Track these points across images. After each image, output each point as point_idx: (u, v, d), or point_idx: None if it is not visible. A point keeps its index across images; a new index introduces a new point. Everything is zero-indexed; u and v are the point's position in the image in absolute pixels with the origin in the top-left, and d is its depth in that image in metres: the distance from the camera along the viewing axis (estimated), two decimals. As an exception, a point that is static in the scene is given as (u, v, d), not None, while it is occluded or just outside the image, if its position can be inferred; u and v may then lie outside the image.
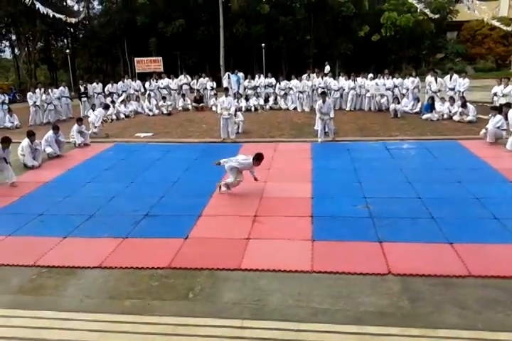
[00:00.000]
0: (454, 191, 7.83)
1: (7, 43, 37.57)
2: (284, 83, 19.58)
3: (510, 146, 10.41)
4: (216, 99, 18.82)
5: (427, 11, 22.93)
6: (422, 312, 4.36)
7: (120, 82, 21.14)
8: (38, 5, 15.62)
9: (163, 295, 4.82)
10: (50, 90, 18.13)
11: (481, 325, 4.10)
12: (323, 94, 13.17)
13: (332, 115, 12.21)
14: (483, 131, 11.38)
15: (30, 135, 10.58)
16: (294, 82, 19.00)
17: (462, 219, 6.56)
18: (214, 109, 18.20)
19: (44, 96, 17.40)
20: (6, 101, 17.76)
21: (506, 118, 11.25)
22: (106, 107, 16.13)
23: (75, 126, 12.66)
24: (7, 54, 39.95)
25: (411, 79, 17.64)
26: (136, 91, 20.96)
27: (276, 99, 19.50)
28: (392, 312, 4.37)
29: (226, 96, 13.24)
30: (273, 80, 20.11)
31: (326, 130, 12.22)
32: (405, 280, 4.92)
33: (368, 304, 4.50)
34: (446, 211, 6.87)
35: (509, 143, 10.47)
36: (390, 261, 5.34)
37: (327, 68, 21.45)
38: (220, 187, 8.12)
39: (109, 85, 20.48)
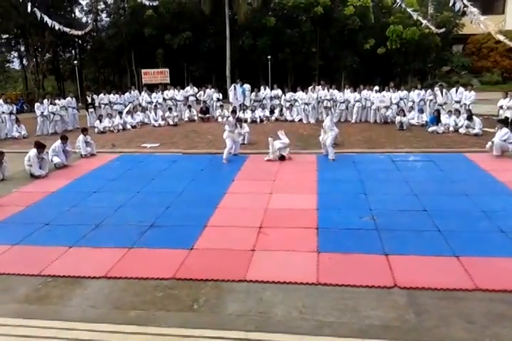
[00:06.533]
0: (460, 204, 7.80)
1: (16, 54, 37.95)
2: (289, 95, 19.71)
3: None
4: (222, 111, 18.97)
5: (432, 26, 23.03)
6: (428, 325, 4.32)
7: (127, 93, 21.29)
8: (46, 18, 15.85)
9: (167, 306, 4.81)
10: (57, 100, 18.31)
11: (488, 340, 4.06)
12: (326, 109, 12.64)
13: (336, 129, 11.98)
14: (489, 143, 11.36)
15: (40, 147, 10.63)
16: (300, 94, 19.09)
17: (468, 232, 6.53)
18: (220, 120, 18.27)
19: (51, 107, 17.57)
20: (14, 111, 17.90)
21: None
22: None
23: (81, 137, 12.74)
24: (15, 64, 40.42)
25: (416, 91, 17.73)
26: (148, 103, 20.86)
27: (281, 110, 19.59)
28: (397, 325, 4.34)
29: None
30: (279, 92, 20.23)
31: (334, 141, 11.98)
32: (411, 294, 4.89)
33: (373, 317, 4.47)
34: (453, 224, 6.84)
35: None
36: (395, 273, 5.31)
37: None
38: None
39: (111, 95, 20.44)
